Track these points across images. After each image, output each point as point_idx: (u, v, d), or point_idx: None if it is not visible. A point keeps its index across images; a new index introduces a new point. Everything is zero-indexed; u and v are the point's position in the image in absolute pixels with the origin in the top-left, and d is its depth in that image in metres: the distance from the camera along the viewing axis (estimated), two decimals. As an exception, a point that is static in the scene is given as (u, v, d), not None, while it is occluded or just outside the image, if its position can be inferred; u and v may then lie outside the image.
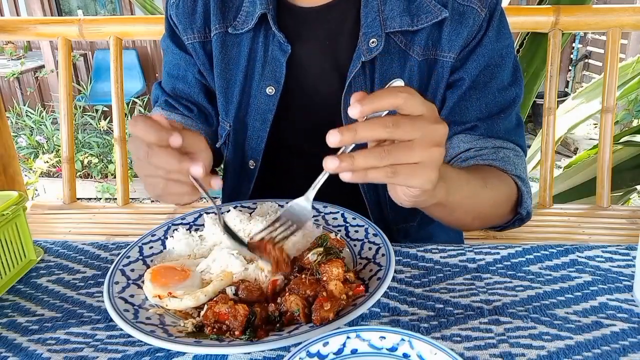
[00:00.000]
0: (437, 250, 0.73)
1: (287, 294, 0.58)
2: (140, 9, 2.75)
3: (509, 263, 0.70)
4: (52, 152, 4.49)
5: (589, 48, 5.48)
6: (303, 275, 0.60)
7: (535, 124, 4.89)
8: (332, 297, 0.56)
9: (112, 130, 1.80)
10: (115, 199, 1.84)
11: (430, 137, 0.52)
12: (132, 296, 0.62)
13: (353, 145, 0.54)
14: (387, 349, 0.47)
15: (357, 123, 0.51)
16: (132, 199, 1.92)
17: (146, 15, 2.70)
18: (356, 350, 0.48)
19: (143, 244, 0.72)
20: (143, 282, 0.64)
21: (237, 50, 0.88)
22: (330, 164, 0.50)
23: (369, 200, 0.89)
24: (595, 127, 4.52)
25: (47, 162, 4.29)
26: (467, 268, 0.69)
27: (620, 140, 2.01)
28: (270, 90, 0.86)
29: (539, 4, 1.95)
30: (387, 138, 0.51)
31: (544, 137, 1.60)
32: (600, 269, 0.67)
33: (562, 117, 2.27)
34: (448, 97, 0.85)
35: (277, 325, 0.57)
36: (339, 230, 0.74)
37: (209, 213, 0.78)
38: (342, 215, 0.78)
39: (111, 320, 0.59)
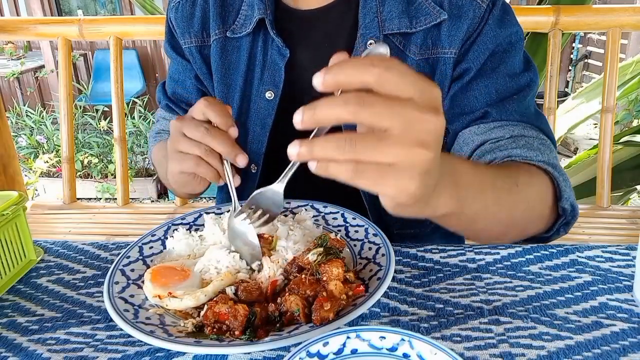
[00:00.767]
0: (437, 251, 0.73)
1: (287, 294, 0.58)
2: (140, 9, 2.75)
3: (509, 263, 0.70)
4: (52, 152, 4.49)
5: (589, 48, 5.48)
6: (303, 275, 0.60)
7: (536, 124, 4.87)
8: (332, 297, 0.56)
9: (112, 130, 1.80)
10: (115, 199, 1.84)
11: (414, 130, 0.39)
12: (132, 296, 0.62)
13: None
14: (387, 349, 0.47)
15: (320, 100, 0.40)
16: (132, 199, 1.92)
17: (146, 15, 2.71)
18: (356, 350, 0.48)
19: (143, 244, 0.73)
20: (143, 282, 0.64)
21: (236, 55, 0.88)
22: (290, 149, 0.41)
23: (367, 200, 0.88)
24: (595, 127, 4.52)
25: (47, 162, 4.30)
26: (467, 268, 0.69)
27: (620, 140, 2.01)
28: (269, 94, 0.86)
29: (539, 4, 1.95)
30: (350, 121, 0.39)
31: (544, 137, 1.59)
32: (600, 269, 0.67)
33: (562, 117, 2.27)
34: (452, 88, 0.82)
35: (277, 325, 0.57)
36: (339, 230, 0.74)
37: (209, 213, 0.78)
38: (342, 215, 0.78)
39: (111, 320, 0.59)
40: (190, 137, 0.69)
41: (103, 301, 0.60)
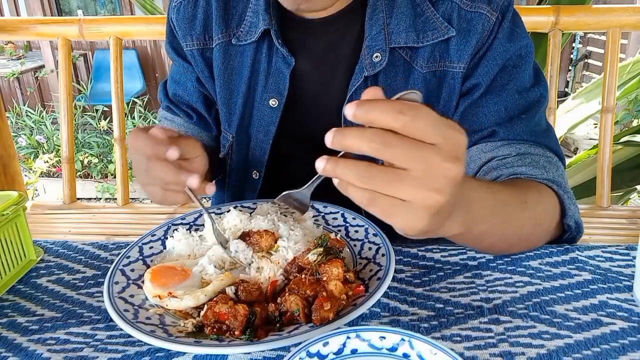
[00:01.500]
0: (437, 250, 0.73)
1: (287, 294, 0.58)
2: (140, 9, 2.75)
3: (509, 259, 0.70)
4: (52, 152, 4.49)
5: (589, 48, 5.48)
6: (303, 275, 0.60)
7: (535, 124, 4.88)
8: (332, 297, 0.56)
9: (112, 130, 1.80)
10: (115, 199, 1.84)
11: (432, 176, 0.42)
12: (132, 296, 0.62)
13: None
14: (387, 349, 0.47)
15: (351, 128, 0.44)
16: (132, 199, 1.92)
17: (146, 15, 2.71)
18: (356, 350, 0.48)
19: (143, 244, 0.73)
20: (143, 282, 0.64)
21: (239, 61, 0.87)
22: (318, 164, 0.45)
23: None
24: (595, 127, 4.52)
25: (47, 162, 4.30)
26: (467, 266, 0.69)
27: (620, 140, 2.01)
28: (273, 102, 0.86)
29: (538, 4, 1.95)
30: (372, 156, 0.42)
31: (544, 137, 1.59)
32: (600, 268, 0.67)
33: (562, 117, 2.27)
34: (461, 104, 0.81)
35: (277, 325, 0.57)
36: (339, 230, 0.74)
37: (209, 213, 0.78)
38: (342, 215, 0.78)
39: (111, 320, 0.59)
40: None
41: (103, 301, 0.60)
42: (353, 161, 0.44)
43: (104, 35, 1.70)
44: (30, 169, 4.26)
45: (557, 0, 1.81)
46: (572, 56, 5.63)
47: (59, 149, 4.35)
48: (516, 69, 0.79)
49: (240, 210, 0.78)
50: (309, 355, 0.46)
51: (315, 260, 0.62)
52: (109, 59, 1.71)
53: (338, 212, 0.78)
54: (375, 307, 0.61)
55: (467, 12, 0.78)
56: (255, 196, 0.93)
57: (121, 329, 0.56)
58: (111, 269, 0.66)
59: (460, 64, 0.79)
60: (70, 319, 0.62)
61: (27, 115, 5.00)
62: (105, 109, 5.13)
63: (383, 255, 0.65)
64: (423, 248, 0.73)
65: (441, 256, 0.71)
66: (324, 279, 0.58)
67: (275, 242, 0.68)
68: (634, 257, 0.69)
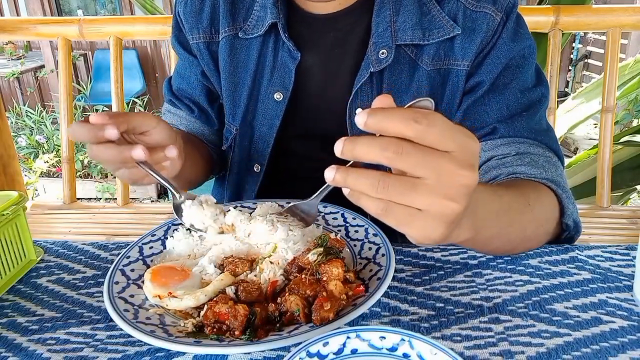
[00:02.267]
0: (438, 250, 0.73)
1: (287, 294, 0.58)
2: (140, 9, 2.75)
3: (509, 258, 0.70)
4: (52, 152, 4.49)
5: (589, 48, 5.48)
6: (303, 275, 0.60)
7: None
8: (332, 297, 0.56)
9: (112, 130, 1.79)
10: (115, 199, 1.84)
11: (447, 184, 0.41)
12: (132, 296, 0.62)
13: None
14: (387, 349, 0.47)
15: (361, 137, 0.42)
16: (132, 199, 1.92)
17: (146, 15, 2.71)
18: (356, 350, 0.48)
19: (143, 244, 0.72)
20: (143, 282, 0.64)
21: (245, 54, 0.88)
22: (327, 174, 0.43)
23: None
24: (595, 127, 4.52)
25: (47, 162, 4.30)
26: (467, 265, 0.69)
27: (620, 140, 2.01)
28: (278, 96, 0.86)
29: (539, 4, 1.95)
30: (386, 164, 0.42)
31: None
32: (600, 268, 0.67)
33: (562, 117, 2.27)
34: (464, 101, 0.82)
35: (277, 325, 0.57)
36: (339, 230, 0.74)
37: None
38: (342, 215, 0.78)
39: (111, 320, 0.59)
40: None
41: (103, 301, 0.60)
42: (365, 171, 0.42)
43: (104, 35, 1.70)
44: (30, 169, 4.26)
45: (557, 0, 1.81)
46: (572, 56, 5.63)
47: (59, 149, 4.35)
48: (519, 68, 0.80)
49: (240, 211, 0.78)
50: (309, 355, 0.46)
51: (315, 260, 0.62)
52: (109, 59, 1.71)
53: (338, 212, 0.78)
54: (375, 307, 0.61)
55: (472, 11, 0.79)
56: (256, 190, 0.93)
57: (121, 329, 0.56)
58: (111, 269, 0.66)
59: (465, 62, 0.80)
60: (70, 319, 0.62)
61: (27, 115, 4.99)
62: (105, 109, 5.13)
63: (383, 255, 0.65)
64: (423, 248, 0.73)
65: (441, 255, 0.71)
66: (324, 279, 0.58)
67: (251, 265, 0.66)
68: (634, 257, 0.69)
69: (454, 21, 0.79)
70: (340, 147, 0.42)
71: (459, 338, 0.56)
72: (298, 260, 0.63)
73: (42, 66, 5.89)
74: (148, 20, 1.80)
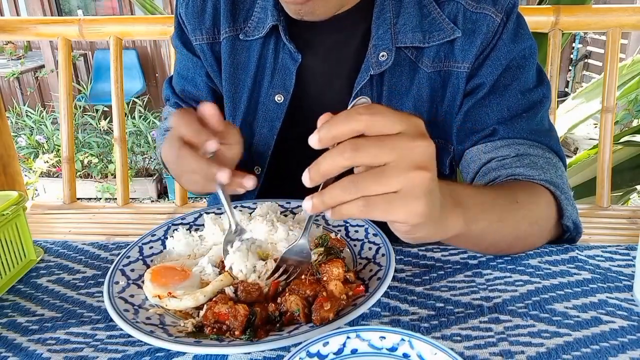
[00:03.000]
0: (438, 249, 0.73)
1: (287, 294, 0.58)
2: (140, 9, 2.75)
3: (508, 258, 0.70)
4: (52, 152, 4.49)
5: (589, 48, 5.48)
6: (303, 275, 0.60)
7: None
8: (332, 297, 0.56)
9: (112, 130, 1.80)
10: (115, 199, 1.84)
11: (409, 157, 0.43)
12: (132, 296, 0.62)
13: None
14: (387, 349, 0.47)
15: (320, 157, 0.45)
16: (132, 199, 1.92)
17: (146, 15, 2.70)
18: (356, 350, 0.48)
19: (143, 244, 0.72)
20: (143, 282, 0.64)
21: (246, 55, 0.88)
22: (305, 205, 0.46)
23: None
24: (595, 127, 4.52)
25: (47, 162, 4.30)
26: (468, 265, 0.69)
27: (620, 140, 2.01)
28: (279, 98, 0.86)
29: (539, 4, 1.95)
30: (351, 166, 0.44)
31: (544, 137, 1.59)
32: (600, 268, 0.67)
33: (562, 117, 2.27)
34: (465, 103, 0.82)
35: (277, 325, 0.57)
36: (339, 230, 0.74)
37: (209, 213, 0.78)
38: (342, 215, 0.77)
39: (111, 320, 0.59)
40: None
41: (103, 301, 0.60)
42: (335, 183, 0.45)
43: (104, 35, 1.70)
44: (30, 169, 4.26)
45: (557, 0, 1.80)
46: (572, 56, 5.63)
47: (59, 149, 4.35)
48: (520, 69, 0.80)
49: (240, 211, 0.78)
50: (309, 355, 0.46)
51: (315, 260, 0.62)
52: (109, 59, 1.71)
53: (338, 212, 0.78)
54: (375, 307, 0.61)
55: (472, 12, 0.78)
56: (256, 192, 0.93)
57: (121, 329, 0.56)
58: (111, 269, 0.66)
59: (465, 64, 0.80)
60: (70, 319, 0.62)
61: (27, 115, 4.99)
62: (105, 109, 5.12)
63: (383, 255, 0.65)
64: (423, 247, 0.73)
65: (441, 255, 0.71)
66: (324, 279, 0.58)
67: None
68: (634, 257, 0.70)
69: (454, 23, 0.79)
70: (307, 177, 0.45)
71: (459, 338, 0.56)
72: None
73: (42, 66, 5.89)
74: (148, 20, 1.80)
